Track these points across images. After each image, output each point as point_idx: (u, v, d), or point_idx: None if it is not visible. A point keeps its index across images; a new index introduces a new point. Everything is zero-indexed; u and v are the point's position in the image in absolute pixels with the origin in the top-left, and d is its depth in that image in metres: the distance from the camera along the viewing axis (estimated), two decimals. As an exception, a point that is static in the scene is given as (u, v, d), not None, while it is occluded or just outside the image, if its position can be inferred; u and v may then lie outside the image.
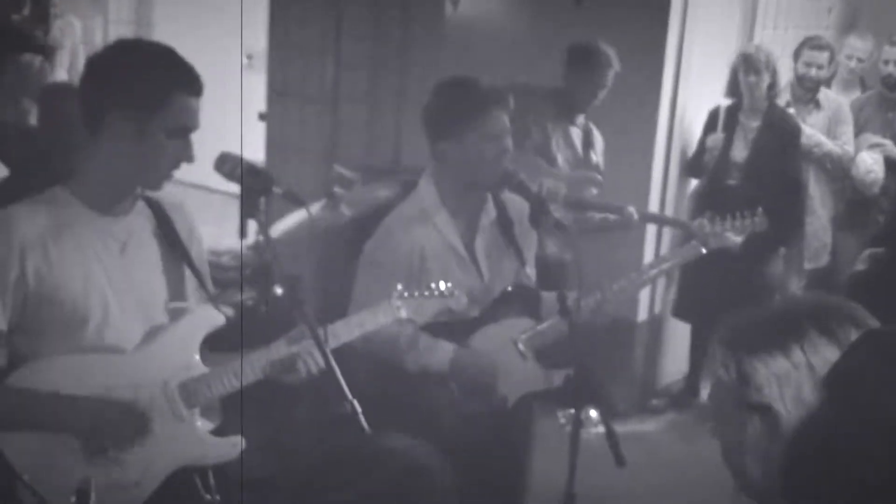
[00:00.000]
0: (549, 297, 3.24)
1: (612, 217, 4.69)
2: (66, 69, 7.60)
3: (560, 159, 4.90)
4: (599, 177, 4.93)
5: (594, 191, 4.88)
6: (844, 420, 1.29)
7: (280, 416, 3.35)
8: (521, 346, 3.24)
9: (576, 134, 4.97)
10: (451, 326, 3.17)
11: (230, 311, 3.90)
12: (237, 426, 2.56)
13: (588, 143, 4.98)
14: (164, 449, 2.45)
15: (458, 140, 3.12)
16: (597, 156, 5.01)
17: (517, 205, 3.31)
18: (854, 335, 1.46)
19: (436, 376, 3.10)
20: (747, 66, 5.16)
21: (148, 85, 2.38)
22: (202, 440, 2.51)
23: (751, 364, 1.50)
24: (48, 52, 7.18)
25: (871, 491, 1.24)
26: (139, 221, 2.55)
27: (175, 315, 2.57)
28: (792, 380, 1.48)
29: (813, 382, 1.47)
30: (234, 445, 2.53)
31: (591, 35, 4.97)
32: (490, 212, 3.29)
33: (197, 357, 2.52)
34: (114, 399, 2.41)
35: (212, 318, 2.55)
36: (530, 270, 3.33)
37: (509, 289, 3.27)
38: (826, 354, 1.47)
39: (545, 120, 4.88)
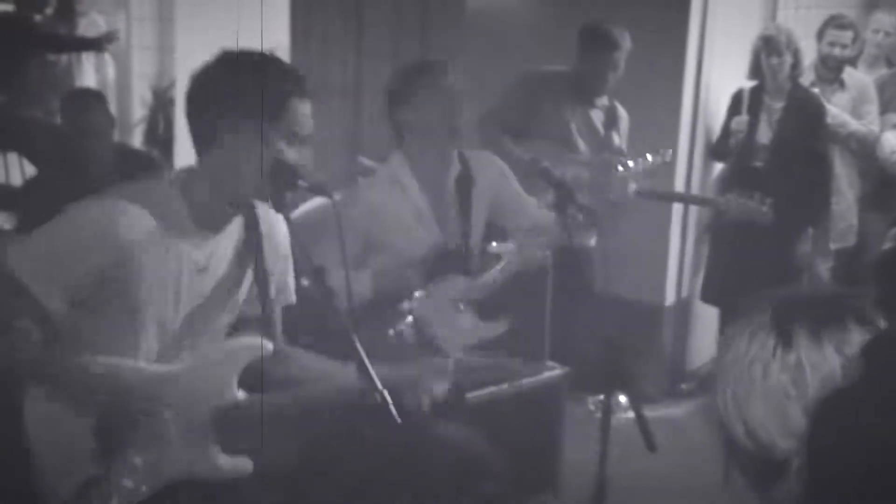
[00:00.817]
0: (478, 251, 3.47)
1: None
2: (93, 68, 7.60)
3: (582, 145, 4.87)
4: (623, 158, 4.89)
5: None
6: (875, 392, 1.29)
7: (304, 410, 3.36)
8: (459, 304, 3.37)
9: (597, 116, 4.92)
10: (395, 294, 3.31)
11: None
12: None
13: (610, 123, 4.94)
14: (177, 458, 2.40)
15: (411, 106, 3.39)
16: (620, 136, 4.96)
17: (484, 164, 3.57)
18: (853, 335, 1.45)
19: None
20: (769, 48, 5.12)
21: (264, 94, 2.36)
22: (215, 457, 2.41)
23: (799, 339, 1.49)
24: (75, 48, 7.24)
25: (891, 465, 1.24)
26: (227, 241, 2.53)
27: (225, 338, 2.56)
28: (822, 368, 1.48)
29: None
30: (245, 465, 2.41)
31: (604, 17, 4.93)
32: (455, 168, 3.49)
33: (234, 385, 2.42)
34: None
35: (256, 348, 2.47)
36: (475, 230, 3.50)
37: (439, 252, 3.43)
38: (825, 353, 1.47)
39: (563, 106, 4.85)
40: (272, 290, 2.63)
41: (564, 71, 4.91)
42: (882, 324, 1.47)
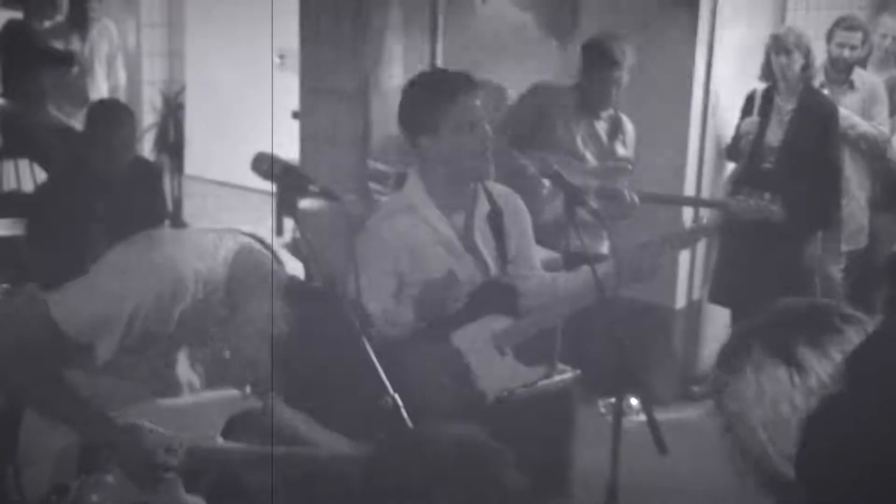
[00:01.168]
0: (525, 291, 3.30)
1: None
2: (104, 75, 7.60)
3: (588, 154, 4.90)
4: (629, 166, 4.92)
5: (624, 181, 4.87)
6: (861, 401, 1.28)
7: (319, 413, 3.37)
8: (499, 343, 3.25)
9: (601, 127, 4.94)
10: (427, 326, 3.17)
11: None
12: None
13: (614, 134, 4.95)
14: (146, 486, 2.42)
15: (434, 134, 3.12)
16: (625, 146, 4.98)
17: (506, 195, 3.35)
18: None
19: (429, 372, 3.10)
20: (778, 48, 5.11)
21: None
22: (179, 493, 2.45)
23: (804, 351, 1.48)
24: (80, 61, 7.25)
25: (880, 470, 1.24)
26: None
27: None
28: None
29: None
30: None
31: (611, 22, 4.92)
32: (484, 204, 3.28)
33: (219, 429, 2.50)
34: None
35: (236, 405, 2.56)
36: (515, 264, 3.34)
37: (486, 284, 3.27)
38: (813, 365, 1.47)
39: (569, 118, 4.88)
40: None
41: (571, 85, 4.94)
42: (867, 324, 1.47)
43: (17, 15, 7.43)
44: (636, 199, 4.67)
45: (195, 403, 2.49)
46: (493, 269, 3.27)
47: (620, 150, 4.95)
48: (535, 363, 3.32)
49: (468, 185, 3.25)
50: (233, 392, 2.53)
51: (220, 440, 2.46)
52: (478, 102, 3.13)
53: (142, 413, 2.41)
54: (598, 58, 4.77)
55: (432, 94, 3.13)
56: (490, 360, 3.22)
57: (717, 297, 5.55)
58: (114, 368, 2.43)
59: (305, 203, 2.51)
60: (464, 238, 3.24)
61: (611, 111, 4.94)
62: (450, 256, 3.20)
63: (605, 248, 4.63)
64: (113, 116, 4.47)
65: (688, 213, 5.65)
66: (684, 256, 5.67)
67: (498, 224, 3.27)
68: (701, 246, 5.71)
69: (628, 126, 4.99)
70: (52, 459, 2.39)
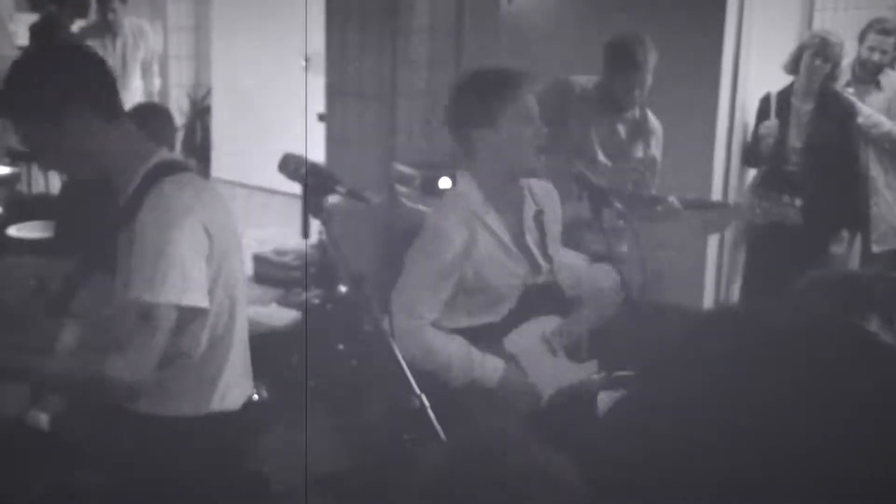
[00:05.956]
0: (571, 291, 3.27)
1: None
2: (140, 78, 7.59)
3: (601, 155, 4.79)
4: (643, 169, 4.77)
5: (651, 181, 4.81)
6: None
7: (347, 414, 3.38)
8: (551, 342, 3.24)
9: (622, 128, 4.79)
10: (481, 330, 3.14)
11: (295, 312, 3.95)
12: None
13: (636, 135, 4.84)
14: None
15: (492, 126, 3.07)
16: (648, 147, 4.86)
17: (545, 191, 3.30)
18: None
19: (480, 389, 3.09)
20: (820, 50, 5.04)
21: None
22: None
23: None
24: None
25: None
26: None
27: None
28: None
29: None
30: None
31: (637, 22, 4.86)
32: (531, 203, 3.24)
33: None
34: None
35: None
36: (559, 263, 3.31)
37: (533, 285, 3.23)
38: None
39: (587, 116, 4.77)
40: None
41: (594, 83, 4.81)
42: None
43: (47, 15, 7.46)
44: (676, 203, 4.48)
45: None
46: (544, 269, 3.23)
47: (639, 153, 4.85)
48: (585, 360, 3.30)
49: (518, 182, 3.19)
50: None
51: None
52: (534, 99, 3.11)
53: None
54: (621, 59, 4.68)
55: (496, 87, 3.09)
56: (542, 360, 3.20)
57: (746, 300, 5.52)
58: None
59: (332, 203, 2.52)
60: (517, 239, 3.18)
61: (635, 112, 4.86)
62: (509, 261, 3.16)
63: (626, 247, 4.58)
64: (156, 116, 4.51)
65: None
66: (711, 259, 5.65)
67: (541, 222, 3.22)
68: (728, 248, 5.69)
69: (655, 125, 4.86)
70: None
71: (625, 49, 4.65)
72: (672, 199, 4.42)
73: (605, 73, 4.75)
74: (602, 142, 4.78)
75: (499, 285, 3.12)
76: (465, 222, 3.10)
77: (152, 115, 4.46)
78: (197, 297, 2.36)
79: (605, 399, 3.87)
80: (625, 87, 4.69)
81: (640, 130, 4.79)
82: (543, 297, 3.23)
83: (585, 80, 4.83)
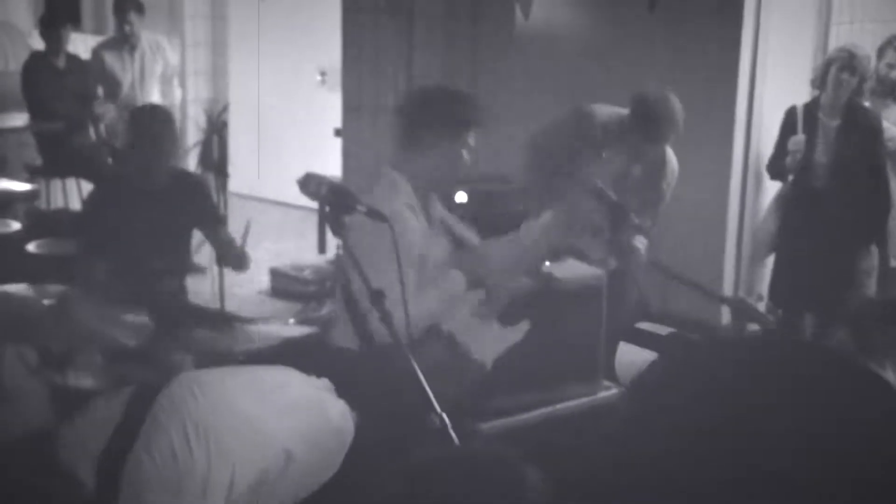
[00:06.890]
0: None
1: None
2: (159, 93, 7.58)
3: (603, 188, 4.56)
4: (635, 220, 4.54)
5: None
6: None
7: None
8: (481, 311, 3.38)
9: (639, 167, 4.63)
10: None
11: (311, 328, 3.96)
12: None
13: (650, 174, 4.66)
14: None
15: (440, 145, 3.33)
16: (659, 186, 4.69)
17: None
18: None
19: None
20: (847, 64, 5.01)
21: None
22: None
23: None
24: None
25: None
26: None
27: None
28: None
29: None
30: None
31: (657, 87, 4.62)
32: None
33: None
34: None
35: None
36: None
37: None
38: None
39: (601, 149, 4.59)
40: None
41: (617, 119, 4.62)
42: None
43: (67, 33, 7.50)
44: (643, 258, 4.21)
45: None
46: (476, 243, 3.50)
47: (650, 191, 4.65)
48: (516, 322, 3.40)
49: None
50: None
51: None
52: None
53: None
54: (646, 124, 4.49)
55: (461, 114, 3.39)
56: (475, 329, 3.33)
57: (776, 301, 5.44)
58: None
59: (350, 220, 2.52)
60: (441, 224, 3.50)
61: (650, 154, 4.64)
62: (445, 243, 3.45)
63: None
64: (153, 115, 4.53)
65: (732, 232, 5.61)
66: (729, 273, 5.64)
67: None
68: (746, 264, 5.67)
69: (673, 166, 4.71)
70: None
71: (654, 110, 4.49)
72: (640, 245, 4.17)
73: (630, 122, 4.57)
74: (615, 179, 4.54)
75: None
76: (400, 212, 3.29)
77: (151, 119, 4.46)
78: None
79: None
80: (648, 146, 4.56)
81: (656, 169, 4.67)
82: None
83: (609, 114, 4.68)
